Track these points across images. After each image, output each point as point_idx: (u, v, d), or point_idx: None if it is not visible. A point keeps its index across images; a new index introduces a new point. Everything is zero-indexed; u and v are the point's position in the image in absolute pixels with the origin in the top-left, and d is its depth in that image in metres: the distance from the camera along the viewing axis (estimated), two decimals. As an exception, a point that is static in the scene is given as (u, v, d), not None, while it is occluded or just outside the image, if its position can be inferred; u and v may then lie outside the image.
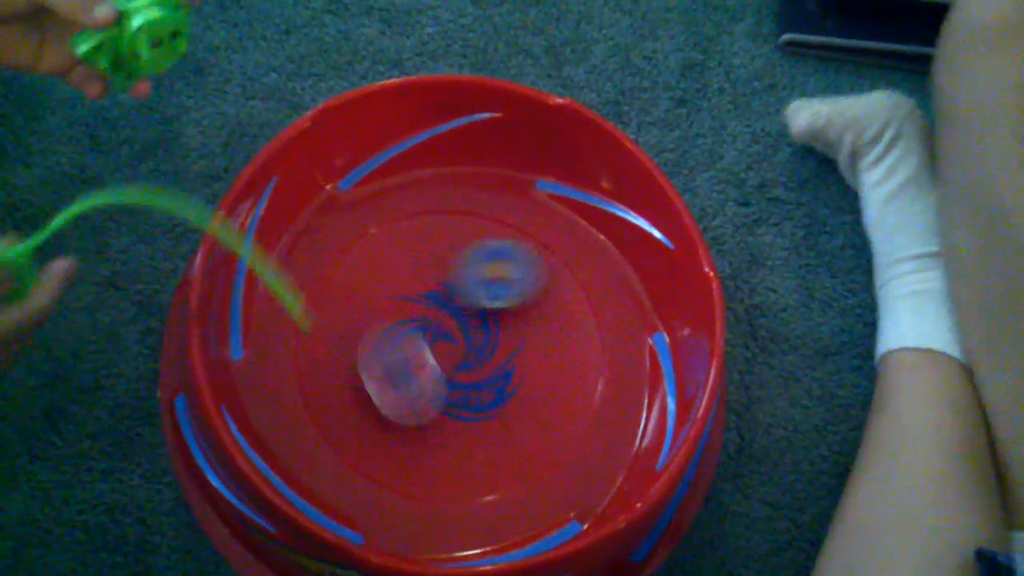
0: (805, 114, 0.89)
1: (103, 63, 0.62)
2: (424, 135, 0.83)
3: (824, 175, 0.92)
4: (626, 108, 0.94)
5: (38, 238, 0.58)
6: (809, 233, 0.90)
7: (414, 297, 0.81)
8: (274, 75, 0.92)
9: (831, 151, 0.90)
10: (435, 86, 0.82)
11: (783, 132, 0.94)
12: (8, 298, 0.58)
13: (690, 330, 0.79)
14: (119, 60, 0.63)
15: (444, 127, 0.83)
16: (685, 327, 0.80)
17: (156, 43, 0.62)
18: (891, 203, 0.85)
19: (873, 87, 0.90)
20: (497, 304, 0.80)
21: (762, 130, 0.94)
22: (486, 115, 0.82)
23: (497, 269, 0.78)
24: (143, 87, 0.64)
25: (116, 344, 0.80)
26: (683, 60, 0.97)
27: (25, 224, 0.83)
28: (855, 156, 0.87)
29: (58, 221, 0.58)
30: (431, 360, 0.76)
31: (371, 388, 0.75)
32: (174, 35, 0.63)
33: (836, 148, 0.88)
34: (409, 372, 0.75)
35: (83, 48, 0.61)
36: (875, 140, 0.86)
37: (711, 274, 0.75)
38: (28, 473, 0.75)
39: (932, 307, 0.80)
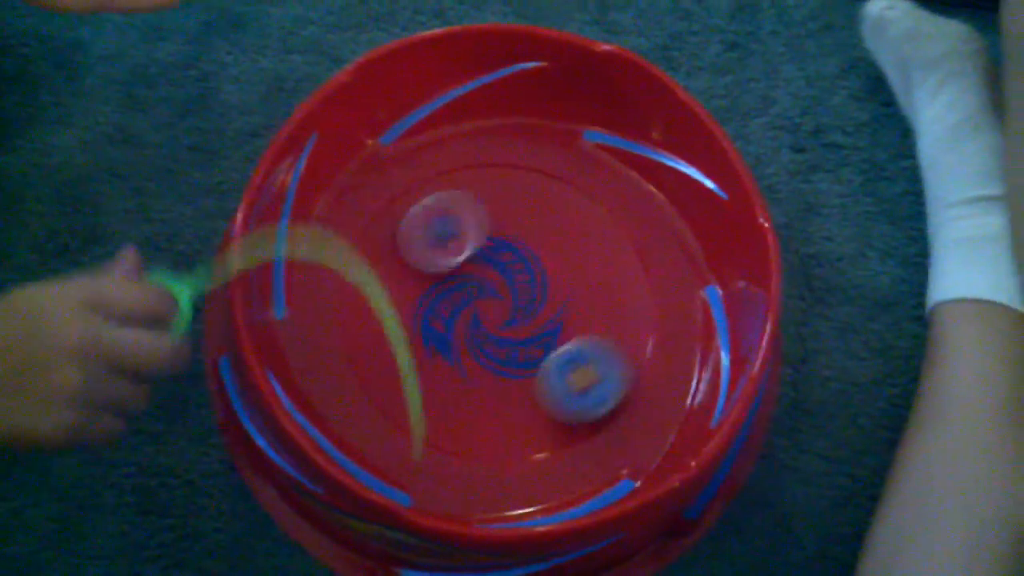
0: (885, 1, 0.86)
1: None
2: (467, 86, 0.82)
3: (883, 118, 0.89)
4: (675, 53, 0.91)
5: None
6: (867, 179, 0.87)
7: (459, 253, 0.79)
8: (313, 28, 0.90)
9: (886, 57, 0.86)
10: (478, 36, 0.80)
11: (839, 74, 0.90)
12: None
13: (744, 283, 0.77)
14: None
15: (487, 78, 0.81)
16: (739, 280, 0.77)
17: None
18: (948, 141, 0.81)
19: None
20: (604, 410, 0.75)
21: (817, 73, 0.91)
22: (530, 64, 0.80)
23: (582, 377, 0.75)
24: None
25: (160, 306, 0.79)
26: (734, 1, 0.93)
27: (65, 187, 0.82)
28: (907, 71, 0.84)
29: None
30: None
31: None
32: None
33: (892, 52, 0.85)
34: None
35: None
36: (934, 65, 0.82)
37: (766, 225, 0.73)
38: (76, 436, 0.75)
39: (985, 254, 0.77)
